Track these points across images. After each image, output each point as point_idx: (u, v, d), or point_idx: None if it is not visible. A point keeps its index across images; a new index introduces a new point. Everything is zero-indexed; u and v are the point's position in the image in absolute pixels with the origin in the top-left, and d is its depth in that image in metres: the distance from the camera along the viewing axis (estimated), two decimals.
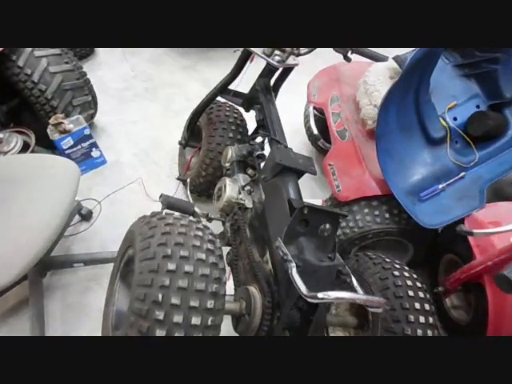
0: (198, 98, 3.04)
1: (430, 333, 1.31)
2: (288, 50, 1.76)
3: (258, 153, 1.73)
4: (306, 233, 1.32)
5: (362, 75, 1.99)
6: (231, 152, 1.87)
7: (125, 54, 3.51)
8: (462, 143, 1.64)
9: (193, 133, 2.20)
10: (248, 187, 1.66)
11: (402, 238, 1.72)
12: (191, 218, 1.25)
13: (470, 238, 1.47)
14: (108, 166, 2.62)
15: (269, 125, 1.71)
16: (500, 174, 1.58)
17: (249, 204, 1.62)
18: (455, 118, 1.65)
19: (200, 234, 1.16)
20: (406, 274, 1.45)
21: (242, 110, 2.11)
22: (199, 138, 2.21)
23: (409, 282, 1.42)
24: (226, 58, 3.43)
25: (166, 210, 1.42)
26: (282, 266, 1.26)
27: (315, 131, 1.88)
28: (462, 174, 1.60)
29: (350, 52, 1.81)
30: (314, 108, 2.13)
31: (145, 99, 3.09)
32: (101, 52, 3.53)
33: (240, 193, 1.68)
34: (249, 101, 1.99)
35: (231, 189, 1.68)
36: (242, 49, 3.49)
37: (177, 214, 1.23)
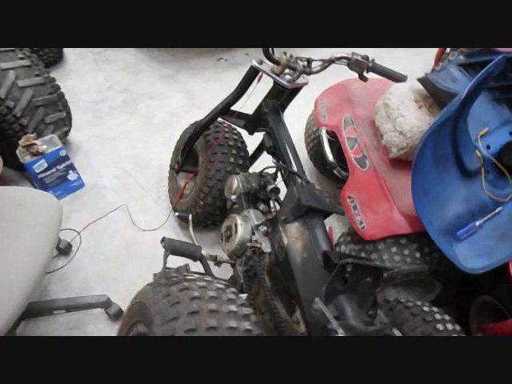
0: (181, 111, 2.85)
1: None
2: (299, 68, 1.58)
3: (272, 186, 1.53)
4: (345, 290, 1.13)
5: (376, 95, 1.83)
6: (237, 182, 1.66)
7: (97, 61, 3.22)
8: (497, 174, 1.50)
9: (187, 156, 1.97)
10: (264, 227, 1.45)
11: (432, 277, 1.56)
12: (216, 282, 1.03)
13: None
14: (86, 189, 2.35)
15: (283, 154, 1.51)
16: None
17: (266, 248, 1.41)
18: (488, 147, 1.51)
19: (234, 308, 0.95)
20: (450, 327, 1.29)
21: (239, 129, 1.90)
22: (194, 162, 1.98)
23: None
24: (208, 68, 3.23)
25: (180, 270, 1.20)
26: (323, 332, 1.07)
27: (331, 157, 1.70)
28: (499, 208, 1.46)
29: (365, 71, 1.64)
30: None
31: (123, 113, 2.82)
32: (70, 59, 3.23)
33: (253, 233, 1.48)
34: (254, 123, 1.78)
35: (244, 229, 1.47)
36: (225, 57, 3.33)
37: (201, 281, 1.00)
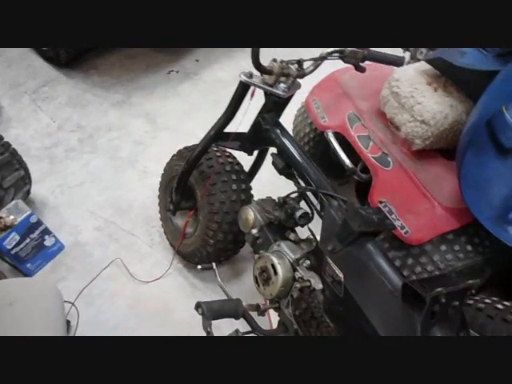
0: (147, 138, 2.60)
1: None
2: (293, 73, 1.41)
3: (301, 212, 1.36)
4: (436, 321, 1.00)
5: (372, 83, 1.69)
6: (253, 214, 1.48)
7: (36, 101, 2.87)
8: None
9: (182, 193, 1.74)
10: (307, 261, 1.28)
11: (485, 267, 1.46)
12: None
13: None
14: (67, 251, 2.07)
15: (306, 174, 1.34)
16: None
17: (317, 284, 1.24)
18: None
19: None
20: None
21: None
22: (189, 197, 1.77)
23: None
24: (160, 84, 2.98)
25: None
26: None
27: (348, 162, 1.54)
28: None
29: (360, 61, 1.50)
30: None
31: (83, 153, 2.52)
32: (4, 105, 2.85)
33: (295, 269, 1.30)
34: (252, 142, 1.59)
35: (283, 268, 1.30)
36: (175, 69, 3.07)
37: None
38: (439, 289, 0.95)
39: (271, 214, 1.41)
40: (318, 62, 1.47)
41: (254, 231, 1.46)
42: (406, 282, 1.02)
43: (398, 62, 1.50)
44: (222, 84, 2.92)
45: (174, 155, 1.83)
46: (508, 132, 1.31)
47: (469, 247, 1.39)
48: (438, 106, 1.40)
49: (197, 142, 2.02)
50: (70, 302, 1.87)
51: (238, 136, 1.59)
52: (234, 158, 1.75)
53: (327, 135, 1.62)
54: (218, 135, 1.54)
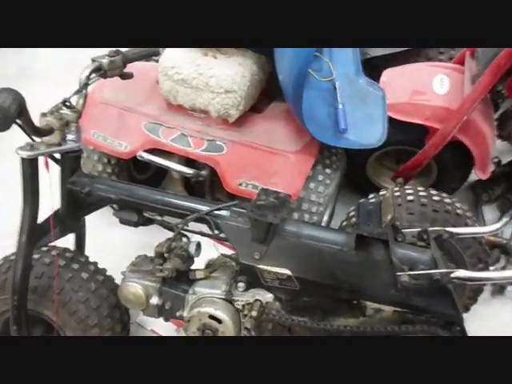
0: None
1: None
2: (71, 118, 1.17)
3: (195, 244, 1.18)
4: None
5: (141, 84, 1.54)
6: (138, 284, 1.21)
7: None
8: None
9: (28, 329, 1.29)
10: (241, 284, 1.13)
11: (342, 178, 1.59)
12: None
13: None
14: None
15: (170, 207, 1.15)
16: (355, 55, 1.56)
17: (265, 297, 1.13)
18: None
19: None
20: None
21: None
22: (36, 324, 1.34)
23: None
24: None
25: None
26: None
27: (187, 170, 1.38)
28: (337, 84, 1.50)
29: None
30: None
31: None
32: None
33: (232, 302, 1.14)
34: (76, 216, 1.28)
35: (223, 310, 1.12)
36: None
37: None
38: (389, 216, 0.97)
39: (163, 270, 1.17)
40: (82, 91, 1.23)
41: (155, 301, 1.20)
42: (357, 233, 1.02)
43: (155, 52, 1.39)
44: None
45: None
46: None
47: (327, 170, 1.48)
48: (230, 69, 1.36)
49: None
50: None
51: (55, 219, 1.24)
52: (55, 246, 1.37)
53: (143, 157, 1.42)
54: (34, 234, 1.16)
